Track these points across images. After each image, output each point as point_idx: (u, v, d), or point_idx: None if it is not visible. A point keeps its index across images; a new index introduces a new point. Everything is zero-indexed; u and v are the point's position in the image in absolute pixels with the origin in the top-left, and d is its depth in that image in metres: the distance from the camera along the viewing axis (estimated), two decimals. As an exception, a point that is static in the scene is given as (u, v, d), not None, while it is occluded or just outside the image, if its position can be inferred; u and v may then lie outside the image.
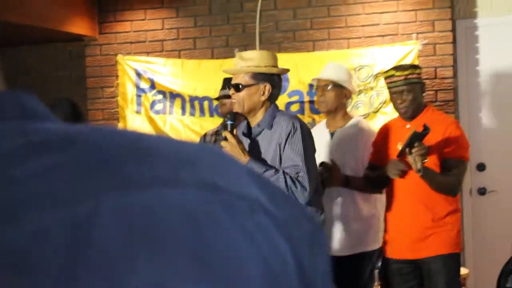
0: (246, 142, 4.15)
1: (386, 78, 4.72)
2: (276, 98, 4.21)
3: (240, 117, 4.26)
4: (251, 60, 4.16)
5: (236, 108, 4.15)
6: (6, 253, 0.42)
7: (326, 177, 4.62)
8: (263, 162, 4.03)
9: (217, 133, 5.38)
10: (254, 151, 4.09)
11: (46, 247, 0.42)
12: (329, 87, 4.82)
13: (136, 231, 0.43)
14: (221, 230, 0.45)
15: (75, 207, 0.43)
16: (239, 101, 4.11)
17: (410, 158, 4.28)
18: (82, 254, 0.42)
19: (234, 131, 4.12)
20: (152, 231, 0.43)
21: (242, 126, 4.27)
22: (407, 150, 4.27)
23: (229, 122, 4.12)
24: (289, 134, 3.98)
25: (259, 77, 4.13)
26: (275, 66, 4.21)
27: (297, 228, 0.51)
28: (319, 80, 4.91)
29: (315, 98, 6.13)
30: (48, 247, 0.42)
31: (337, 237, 4.73)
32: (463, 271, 5.06)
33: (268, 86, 4.12)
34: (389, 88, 4.68)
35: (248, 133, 4.19)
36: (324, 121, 5.05)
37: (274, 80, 4.17)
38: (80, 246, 0.42)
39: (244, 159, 3.98)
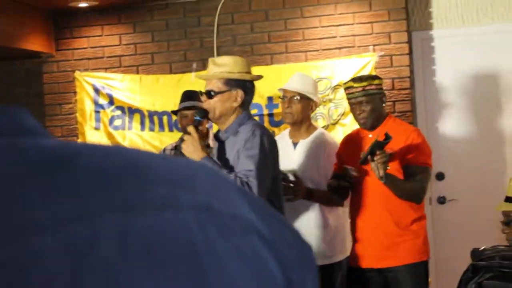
0: (216, 145, 4.13)
1: (345, 89, 4.74)
2: (249, 105, 4.18)
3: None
4: (224, 66, 4.10)
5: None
6: (3, 273, 0.42)
7: (289, 191, 4.61)
8: (222, 162, 3.99)
9: (176, 147, 5.36)
10: (220, 156, 4.05)
11: (46, 267, 0.42)
12: (296, 99, 4.81)
13: (135, 253, 0.44)
14: (216, 251, 0.47)
15: (75, 228, 0.44)
16: (210, 108, 4.06)
17: (372, 166, 4.30)
18: (82, 275, 0.42)
19: (201, 128, 4.09)
20: (151, 253, 0.45)
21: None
22: (369, 157, 4.30)
23: (197, 118, 4.09)
24: (247, 141, 3.94)
25: (232, 83, 4.08)
26: (249, 72, 4.17)
27: (286, 247, 0.53)
28: (285, 91, 4.89)
29: (274, 111, 6.16)
30: (48, 267, 0.42)
31: None
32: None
33: (240, 93, 4.07)
34: (348, 99, 4.70)
35: (218, 137, 4.17)
36: (287, 130, 5.04)
37: (247, 86, 4.12)
38: (80, 267, 0.43)
39: (200, 154, 3.94)
